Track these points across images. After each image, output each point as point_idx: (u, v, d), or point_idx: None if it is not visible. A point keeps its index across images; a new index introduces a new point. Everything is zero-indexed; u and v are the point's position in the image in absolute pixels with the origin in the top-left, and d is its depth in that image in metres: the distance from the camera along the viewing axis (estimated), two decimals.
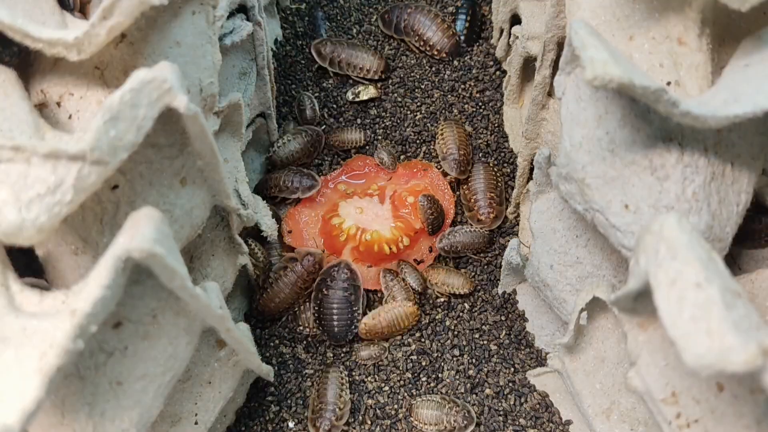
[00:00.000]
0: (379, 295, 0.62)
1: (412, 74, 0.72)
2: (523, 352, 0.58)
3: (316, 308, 0.58)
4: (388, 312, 0.58)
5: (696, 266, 0.31)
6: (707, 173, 0.38)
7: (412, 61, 0.72)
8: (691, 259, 0.31)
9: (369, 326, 0.58)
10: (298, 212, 0.64)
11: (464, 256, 0.63)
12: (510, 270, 0.58)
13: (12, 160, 0.31)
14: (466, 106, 0.70)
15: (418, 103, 0.70)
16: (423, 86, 0.71)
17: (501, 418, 0.55)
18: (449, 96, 0.70)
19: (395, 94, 0.71)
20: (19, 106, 0.38)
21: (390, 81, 0.71)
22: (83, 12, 0.45)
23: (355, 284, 0.59)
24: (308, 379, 0.57)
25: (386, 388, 0.57)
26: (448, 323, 0.60)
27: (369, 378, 0.57)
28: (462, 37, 0.72)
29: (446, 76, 0.71)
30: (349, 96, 0.70)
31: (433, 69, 0.72)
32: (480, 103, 0.70)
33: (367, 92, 0.69)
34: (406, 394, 0.56)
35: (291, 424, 0.55)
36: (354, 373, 0.57)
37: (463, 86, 0.70)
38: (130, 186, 0.39)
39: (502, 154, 0.68)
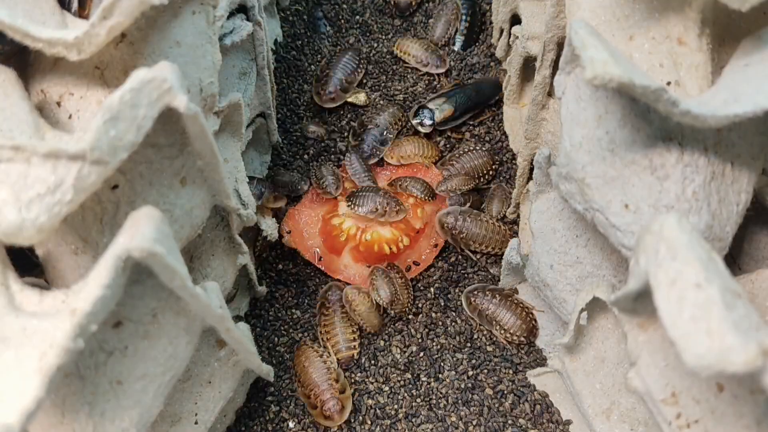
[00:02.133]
0: None
1: (411, 73, 0.72)
2: (523, 352, 0.58)
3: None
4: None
5: (696, 266, 0.31)
6: (707, 173, 0.38)
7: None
8: (691, 259, 0.31)
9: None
10: (297, 212, 0.64)
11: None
12: (510, 270, 0.58)
13: (12, 160, 0.31)
14: None
15: (418, 102, 0.70)
16: (424, 83, 0.71)
17: (501, 418, 0.55)
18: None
19: (394, 92, 0.71)
20: (19, 106, 0.38)
21: (390, 80, 0.71)
22: (83, 8, 0.45)
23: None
24: None
25: (386, 388, 0.57)
26: (447, 323, 0.60)
27: (369, 378, 0.57)
28: (462, 38, 0.73)
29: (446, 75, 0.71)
30: None
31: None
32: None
33: (357, 98, 0.69)
34: (406, 394, 0.56)
35: (291, 424, 0.55)
36: (354, 374, 0.58)
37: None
38: (130, 186, 0.39)
39: (502, 154, 0.68)
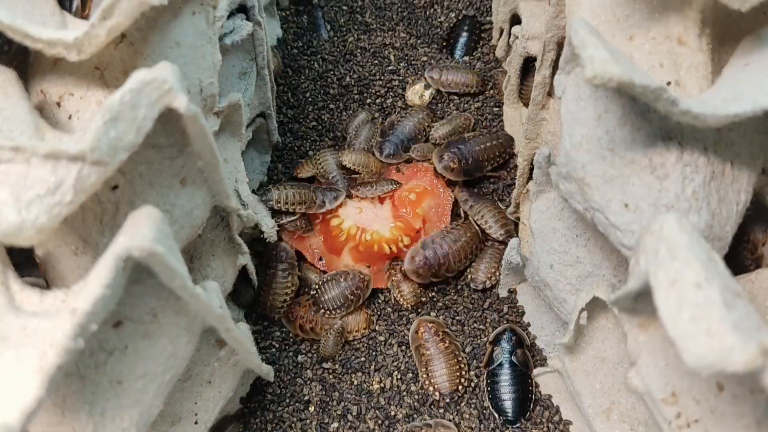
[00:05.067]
0: (383, 294, 0.62)
1: (407, 73, 0.72)
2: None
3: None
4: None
5: (696, 266, 0.31)
6: (707, 172, 0.38)
7: (410, 62, 0.72)
8: (691, 259, 0.31)
9: None
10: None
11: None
12: (510, 270, 0.58)
13: (12, 161, 0.31)
14: (466, 105, 0.70)
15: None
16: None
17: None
18: (449, 96, 0.70)
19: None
20: (19, 107, 0.38)
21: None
22: (83, 9, 0.45)
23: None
24: (307, 380, 0.57)
25: (386, 387, 0.57)
26: (447, 323, 0.60)
27: (369, 379, 0.57)
28: (462, 50, 0.73)
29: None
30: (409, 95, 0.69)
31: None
32: (480, 103, 0.70)
33: (421, 96, 0.68)
34: (406, 394, 0.56)
35: (291, 423, 0.55)
36: (353, 376, 0.58)
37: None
38: (130, 186, 0.39)
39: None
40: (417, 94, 0.69)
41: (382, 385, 0.57)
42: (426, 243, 0.59)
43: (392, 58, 0.73)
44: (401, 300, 0.60)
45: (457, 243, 0.59)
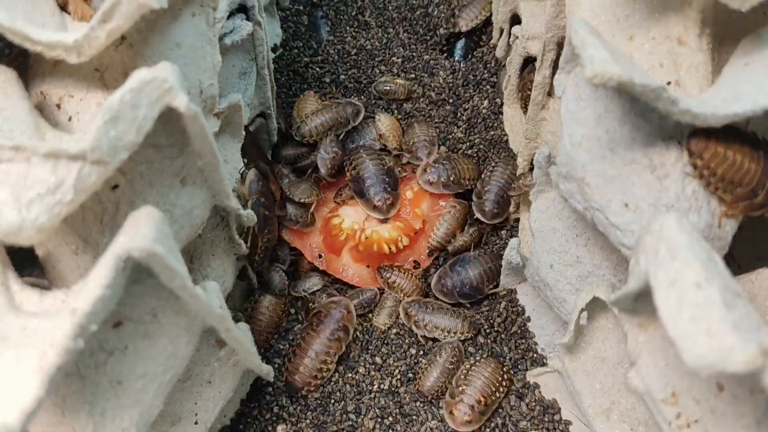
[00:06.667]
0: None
1: (407, 75, 0.72)
2: (522, 352, 0.58)
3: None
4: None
5: (696, 266, 0.31)
6: None
7: (409, 63, 0.72)
8: (691, 259, 0.31)
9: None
10: None
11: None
12: (510, 269, 0.58)
13: (12, 160, 0.32)
14: (465, 106, 0.70)
15: (417, 103, 0.70)
16: (422, 88, 0.71)
17: (501, 419, 0.55)
18: (450, 97, 0.70)
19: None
20: (19, 106, 0.38)
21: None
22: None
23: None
24: None
25: (386, 387, 0.57)
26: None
27: (369, 378, 0.57)
28: (461, 51, 0.73)
29: (444, 77, 0.71)
30: (380, 86, 0.69)
31: (429, 71, 0.72)
32: (480, 103, 0.70)
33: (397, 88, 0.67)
34: (406, 394, 0.56)
35: (290, 424, 0.55)
36: (355, 375, 0.58)
37: (462, 87, 0.70)
38: (131, 186, 0.39)
39: (502, 154, 0.68)
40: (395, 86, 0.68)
41: (382, 385, 0.57)
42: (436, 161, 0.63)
43: (392, 57, 0.73)
44: (401, 295, 0.60)
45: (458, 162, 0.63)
